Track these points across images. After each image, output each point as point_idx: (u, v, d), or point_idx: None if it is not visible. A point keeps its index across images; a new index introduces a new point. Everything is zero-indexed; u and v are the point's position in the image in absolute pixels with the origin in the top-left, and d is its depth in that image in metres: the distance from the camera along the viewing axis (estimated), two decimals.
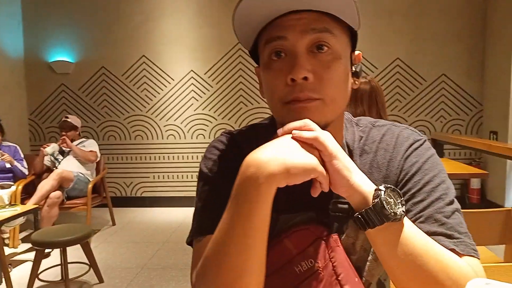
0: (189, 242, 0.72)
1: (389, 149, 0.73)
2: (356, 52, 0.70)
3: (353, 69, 0.71)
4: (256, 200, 0.55)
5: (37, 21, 4.89)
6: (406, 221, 0.60)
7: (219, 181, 0.72)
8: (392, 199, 0.57)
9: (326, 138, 0.58)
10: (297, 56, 0.64)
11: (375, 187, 0.59)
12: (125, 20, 4.80)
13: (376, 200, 0.56)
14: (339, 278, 0.65)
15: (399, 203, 0.58)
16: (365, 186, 0.58)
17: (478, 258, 0.65)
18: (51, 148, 3.84)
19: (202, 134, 4.83)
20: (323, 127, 0.63)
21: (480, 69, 4.54)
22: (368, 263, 0.71)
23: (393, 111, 4.66)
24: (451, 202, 0.67)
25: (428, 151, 0.73)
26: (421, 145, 0.73)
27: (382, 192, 0.57)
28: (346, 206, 0.70)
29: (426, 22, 4.54)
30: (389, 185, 0.58)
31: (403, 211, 0.58)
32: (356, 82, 0.72)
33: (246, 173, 0.56)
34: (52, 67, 4.87)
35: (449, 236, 0.63)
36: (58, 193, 3.56)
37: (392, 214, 0.56)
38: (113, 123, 4.93)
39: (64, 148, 3.90)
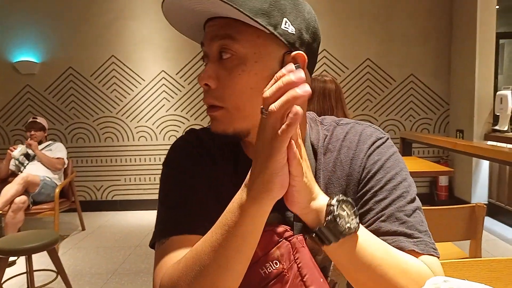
0: (152, 245, 0.70)
1: (352, 147, 0.73)
2: (295, 52, 0.63)
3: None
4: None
5: None
6: (362, 231, 0.59)
7: (184, 181, 0.70)
8: (345, 212, 0.56)
9: (306, 166, 0.54)
10: (208, 62, 0.66)
11: (327, 201, 0.57)
12: (93, 19, 4.67)
13: (329, 217, 0.55)
14: (304, 280, 0.64)
15: (353, 214, 0.57)
16: (319, 203, 0.56)
17: (438, 257, 0.66)
18: (19, 151, 3.69)
19: (174, 135, 4.77)
20: (237, 135, 0.65)
21: (446, 70, 4.68)
22: (333, 263, 0.71)
23: (364, 110, 4.75)
24: (412, 200, 0.68)
25: (390, 149, 0.73)
26: (383, 143, 0.73)
27: (335, 208, 0.55)
28: None
29: (395, 24, 4.64)
30: (341, 197, 0.57)
31: (357, 223, 0.57)
32: None
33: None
34: (16, 67, 4.69)
35: (409, 236, 0.64)
36: (23, 198, 3.41)
37: (347, 229, 0.55)
38: (82, 125, 4.79)
39: (29, 152, 3.76)
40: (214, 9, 0.62)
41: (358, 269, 0.58)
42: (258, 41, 0.63)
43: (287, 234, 0.66)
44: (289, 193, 0.54)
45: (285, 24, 0.62)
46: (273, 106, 0.49)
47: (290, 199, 0.55)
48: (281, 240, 0.66)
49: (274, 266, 0.64)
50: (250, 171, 0.54)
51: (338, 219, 0.55)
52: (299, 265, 0.65)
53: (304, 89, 0.48)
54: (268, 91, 0.50)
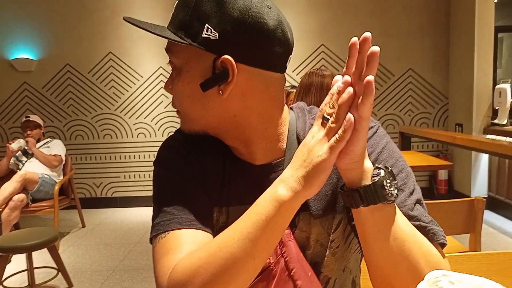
0: (152, 240, 0.69)
1: None
2: (223, 57, 0.63)
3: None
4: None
5: None
6: (395, 205, 0.59)
7: (177, 177, 0.71)
8: (389, 180, 0.56)
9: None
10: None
11: (374, 165, 0.58)
12: (90, 16, 4.65)
13: (376, 178, 0.55)
14: (291, 274, 0.64)
15: (395, 185, 0.57)
16: (366, 162, 0.57)
17: (446, 243, 0.66)
18: (17, 143, 3.66)
19: (172, 132, 4.70)
20: (195, 132, 0.72)
21: (445, 64, 4.67)
22: (325, 258, 0.71)
23: None
24: (412, 192, 0.67)
25: (382, 139, 0.71)
26: (374, 132, 0.72)
27: (382, 171, 0.56)
28: None
29: (391, 18, 4.63)
30: (387, 166, 0.57)
31: (397, 194, 0.57)
32: (221, 91, 0.65)
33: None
34: (13, 64, 4.67)
35: (418, 228, 0.63)
36: (21, 196, 3.40)
37: (389, 195, 0.55)
38: (80, 122, 4.78)
39: (27, 149, 3.75)
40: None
41: (384, 240, 0.58)
42: (188, 51, 0.66)
43: None
44: (349, 142, 0.53)
45: (207, 31, 0.63)
46: (340, 113, 0.52)
47: (347, 148, 0.53)
48: None
49: None
50: (288, 167, 0.56)
51: (384, 182, 0.55)
52: (286, 259, 0.65)
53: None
54: (328, 103, 0.55)
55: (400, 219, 0.59)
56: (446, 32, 4.62)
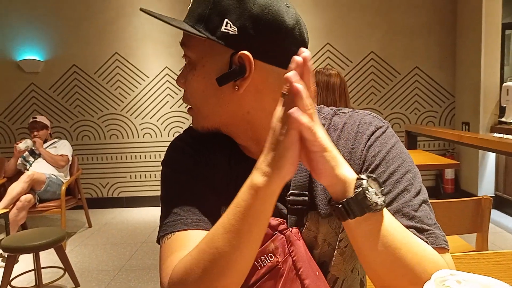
0: (159, 240, 0.70)
1: (350, 138, 0.71)
2: (241, 52, 0.63)
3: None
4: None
5: (1, 19, 4.71)
6: (386, 212, 0.58)
7: (184, 178, 0.71)
8: (373, 189, 0.55)
9: (318, 130, 0.54)
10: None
11: (357, 175, 0.57)
12: (95, 17, 4.67)
13: (358, 190, 0.54)
14: (299, 273, 0.64)
15: (380, 193, 0.56)
16: (348, 175, 0.56)
17: (448, 249, 0.65)
18: (24, 143, 3.69)
19: (179, 132, 4.78)
20: (208, 132, 0.71)
21: (451, 62, 4.64)
22: (334, 258, 0.70)
23: (369, 104, 4.72)
24: (418, 193, 0.66)
25: (391, 139, 0.71)
26: (383, 132, 0.71)
27: (364, 181, 0.55)
28: (305, 198, 0.69)
29: (397, 16, 4.60)
30: (370, 174, 0.57)
31: (383, 201, 0.56)
32: (237, 87, 0.66)
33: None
34: (21, 66, 4.71)
35: (419, 230, 0.63)
36: (29, 196, 3.43)
37: (374, 204, 0.54)
38: (87, 123, 4.81)
39: (35, 150, 3.78)
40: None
41: (376, 249, 0.57)
42: (204, 46, 0.66)
43: (281, 227, 0.66)
44: (313, 162, 0.54)
45: (226, 26, 0.63)
46: (291, 86, 0.51)
47: (315, 168, 0.54)
48: (276, 233, 0.66)
49: (269, 260, 0.64)
50: (261, 154, 0.55)
51: (367, 192, 0.54)
52: (294, 258, 0.65)
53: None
54: (288, 74, 0.53)
55: (391, 226, 0.58)
56: (452, 30, 4.58)
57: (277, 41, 0.65)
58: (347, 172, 0.56)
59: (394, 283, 0.59)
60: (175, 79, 0.74)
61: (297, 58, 0.53)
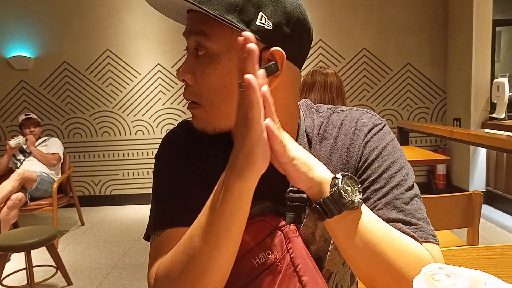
0: (147, 238, 0.70)
1: (348, 135, 0.72)
2: (273, 49, 0.61)
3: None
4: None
5: None
6: (364, 208, 0.59)
7: (176, 175, 0.70)
8: (349, 187, 0.56)
9: (287, 139, 0.54)
10: (186, 57, 0.66)
11: (332, 175, 0.58)
12: (87, 13, 4.62)
13: (333, 189, 0.55)
14: (297, 270, 0.64)
15: (357, 191, 0.57)
16: (324, 176, 0.57)
17: (437, 244, 0.66)
18: (15, 140, 3.65)
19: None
20: (219, 130, 0.65)
21: (443, 59, 4.67)
22: (329, 252, 0.71)
23: (361, 100, 4.74)
24: (410, 188, 0.67)
25: (387, 136, 0.72)
26: (380, 129, 0.72)
27: (339, 181, 0.56)
28: (304, 195, 0.68)
29: (389, 13, 4.62)
30: (346, 173, 0.58)
31: (360, 199, 0.57)
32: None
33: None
34: (10, 62, 4.65)
35: (408, 223, 0.64)
36: (20, 194, 3.40)
37: (350, 202, 0.55)
38: (78, 120, 4.77)
39: (25, 149, 3.74)
40: (184, 5, 0.62)
41: (356, 246, 0.58)
42: (232, 38, 0.60)
43: (279, 224, 0.67)
44: (286, 171, 0.54)
45: (261, 20, 0.60)
46: (246, 76, 0.50)
47: (289, 175, 0.55)
48: (274, 230, 0.66)
49: (267, 257, 0.64)
50: (232, 151, 0.54)
51: (342, 192, 0.55)
52: (292, 255, 0.65)
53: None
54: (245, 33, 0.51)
55: (370, 222, 0.59)
56: (444, 27, 4.61)
57: (302, 40, 0.65)
58: (322, 174, 0.57)
59: (377, 278, 0.60)
60: (169, 78, 0.67)
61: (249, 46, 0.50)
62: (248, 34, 0.50)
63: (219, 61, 0.62)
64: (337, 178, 0.56)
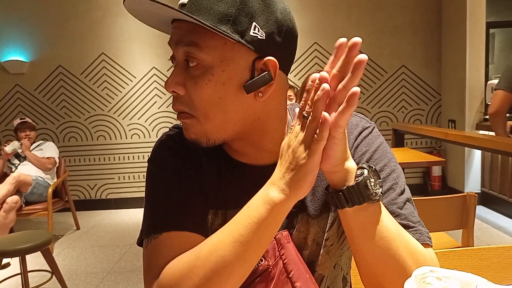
0: (140, 242, 0.68)
1: None
2: (267, 58, 0.61)
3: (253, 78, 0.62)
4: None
5: None
6: (381, 204, 0.60)
7: (170, 178, 0.69)
8: (373, 179, 0.56)
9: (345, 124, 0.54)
10: (175, 67, 0.64)
11: (358, 165, 0.58)
12: (81, 17, 4.62)
13: (359, 179, 0.55)
14: (290, 276, 0.64)
15: (378, 184, 0.57)
16: (349, 164, 0.57)
17: (431, 245, 0.67)
18: (11, 146, 3.64)
19: None
20: (211, 144, 0.65)
21: (437, 61, 4.69)
22: (320, 256, 0.71)
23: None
24: (402, 192, 0.68)
25: (377, 139, 0.73)
26: (370, 132, 0.73)
27: (366, 171, 0.56)
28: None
29: (383, 16, 4.64)
30: (370, 165, 0.57)
31: (381, 193, 0.57)
32: (260, 94, 0.63)
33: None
34: (5, 67, 4.63)
35: (404, 227, 0.64)
36: (15, 197, 3.37)
37: (373, 194, 0.55)
38: (74, 124, 4.75)
39: (20, 153, 3.73)
40: (175, 15, 0.61)
41: (371, 239, 0.58)
42: (225, 49, 0.60)
43: None
44: (327, 147, 0.53)
45: (254, 30, 0.60)
46: (317, 112, 0.51)
47: (326, 153, 0.53)
48: None
49: (259, 263, 0.64)
50: (277, 170, 0.56)
51: (368, 182, 0.55)
52: (284, 261, 0.65)
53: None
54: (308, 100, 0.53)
55: (386, 218, 0.59)
56: (438, 29, 4.64)
57: (291, 48, 0.66)
58: (350, 163, 0.57)
59: (385, 276, 0.60)
60: (164, 81, 0.65)
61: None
62: (324, 74, 0.52)
63: (213, 72, 0.61)
64: (364, 168, 0.56)
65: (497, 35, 5.60)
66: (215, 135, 0.64)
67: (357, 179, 0.55)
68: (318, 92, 0.52)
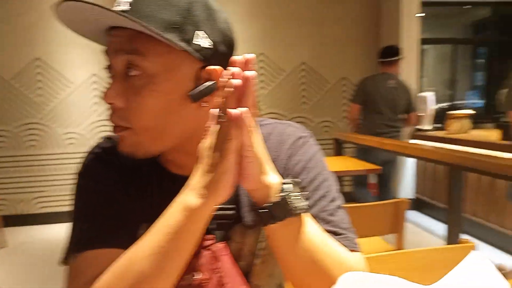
0: (64, 261, 0.65)
1: (273, 148, 0.72)
2: (210, 68, 0.61)
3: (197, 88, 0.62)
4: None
5: None
6: (306, 216, 0.59)
7: (99, 192, 0.66)
8: (297, 193, 0.56)
9: (256, 138, 0.54)
10: (113, 78, 0.61)
11: (281, 180, 0.57)
12: (14, 19, 4.32)
13: (282, 194, 0.55)
14: None
15: (303, 197, 0.57)
16: (271, 180, 0.56)
17: (359, 251, 0.68)
18: None
19: None
20: (150, 155, 0.63)
21: (375, 72, 4.93)
22: (256, 267, 0.71)
23: (301, 112, 4.87)
24: (334, 199, 0.69)
25: (311, 148, 0.73)
26: (304, 142, 0.74)
27: (287, 186, 0.56)
28: (232, 212, 0.68)
29: (327, 29, 4.82)
30: (294, 179, 0.57)
31: (305, 206, 0.57)
32: (204, 104, 0.62)
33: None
34: None
35: (334, 233, 0.65)
36: None
37: (296, 209, 0.55)
38: (1, 133, 4.41)
39: None
40: (118, 22, 0.58)
41: (295, 252, 0.58)
42: (169, 57, 0.59)
43: (207, 242, 0.65)
44: (242, 167, 0.53)
45: (200, 38, 0.60)
46: (232, 111, 0.50)
47: (242, 172, 0.53)
48: (200, 250, 0.64)
49: (194, 277, 0.63)
50: (193, 174, 0.53)
51: (289, 197, 0.55)
52: (220, 275, 0.64)
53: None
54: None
55: (310, 229, 0.59)
56: (376, 42, 4.89)
57: (230, 57, 0.66)
58: (272, 179, 0.56)
59: (311, 284, 0.61)
60: (104, 93, 0.59)
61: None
62: (237, 70, 0.51)
63: (156, 81, 0.58)
64: (286, 183, 0.56)
65: (431, 51, 6.08)
66: (152, 148, 0.63)
67: (280, 195, 0.55)
68: (227, 89, 0.51)
